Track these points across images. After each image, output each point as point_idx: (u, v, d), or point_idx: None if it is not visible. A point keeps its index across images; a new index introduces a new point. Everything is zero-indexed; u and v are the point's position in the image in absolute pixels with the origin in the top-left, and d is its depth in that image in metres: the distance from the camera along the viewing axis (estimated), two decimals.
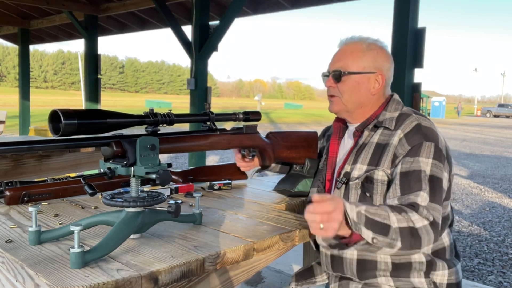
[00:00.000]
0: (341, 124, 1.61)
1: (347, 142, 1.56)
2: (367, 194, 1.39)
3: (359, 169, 1.42)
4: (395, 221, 1.22)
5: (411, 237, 1.22)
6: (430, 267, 1.40)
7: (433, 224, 1.26)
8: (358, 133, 1.49)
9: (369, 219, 1.20)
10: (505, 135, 21.06)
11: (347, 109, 1.51)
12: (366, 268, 1.39)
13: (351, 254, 1.40)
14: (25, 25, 9.18)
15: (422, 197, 1.30)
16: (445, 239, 1.45)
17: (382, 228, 1.21)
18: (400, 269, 1.39)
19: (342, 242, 1.37)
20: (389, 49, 1.58)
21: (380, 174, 1.37)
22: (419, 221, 1.25)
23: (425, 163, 1.34)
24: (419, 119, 1.42)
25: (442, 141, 1.41)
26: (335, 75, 1.49)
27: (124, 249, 1.06)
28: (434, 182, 1.33)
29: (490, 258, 4.14)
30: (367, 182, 1.39)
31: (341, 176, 1.45)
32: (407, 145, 1.37)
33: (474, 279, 3.61)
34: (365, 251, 1.38)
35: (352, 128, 1.55)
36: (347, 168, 1.45)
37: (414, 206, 1.29)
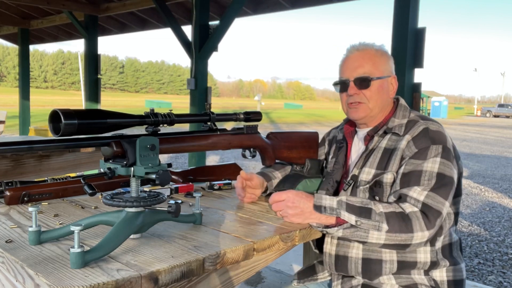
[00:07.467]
0: (353, 128, 1.64)
1: (358, 146, 1.58)
2: (376, 198, 1.42)
3: (367, 173, 1.45)
4: (380, 207, 1.30)
5: (401, 220, 1.28)
6: (432, 266, 1.41)
7: (423, 212, 1.30)
8: (369, 137, 1.52)
9: (349, 204, 1.31)
10: (505, 135, 21.06)
11: (372, 114, 1.53)
12: (371, 267, 1.39)
13: (356, 253, 1.40)
14: (25, 25, 9.18)
15: (416, 191, 1.33)
16: (453, 235, 1.47)
17: (364, 212, 1.29)
18: (404, 268, 1.39)
19: (328, 226, 1.33)
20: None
21: (389, 177, 1.40)
22: (408, 208, 1.31)
23: (433, 163, 1.36)
24: (427, 124, 1.45)
25: (450, 142, 1.43)
26: (362, 82, 1.49)
27: (124, 249, 1.06)
28: (442, 178, 1.35)
29: (490, 258, 4.14)
30: (376, 186, 1.43)
31: (349, 178, 1.49)
32: (414, 147, 1.40)
33: (474, 279, 3.61)
34: (370, 251, 1.39)
35: (361, 132, 1.58)
36: (355, 171, 1.48)
37: (401, 198, 1.34)
